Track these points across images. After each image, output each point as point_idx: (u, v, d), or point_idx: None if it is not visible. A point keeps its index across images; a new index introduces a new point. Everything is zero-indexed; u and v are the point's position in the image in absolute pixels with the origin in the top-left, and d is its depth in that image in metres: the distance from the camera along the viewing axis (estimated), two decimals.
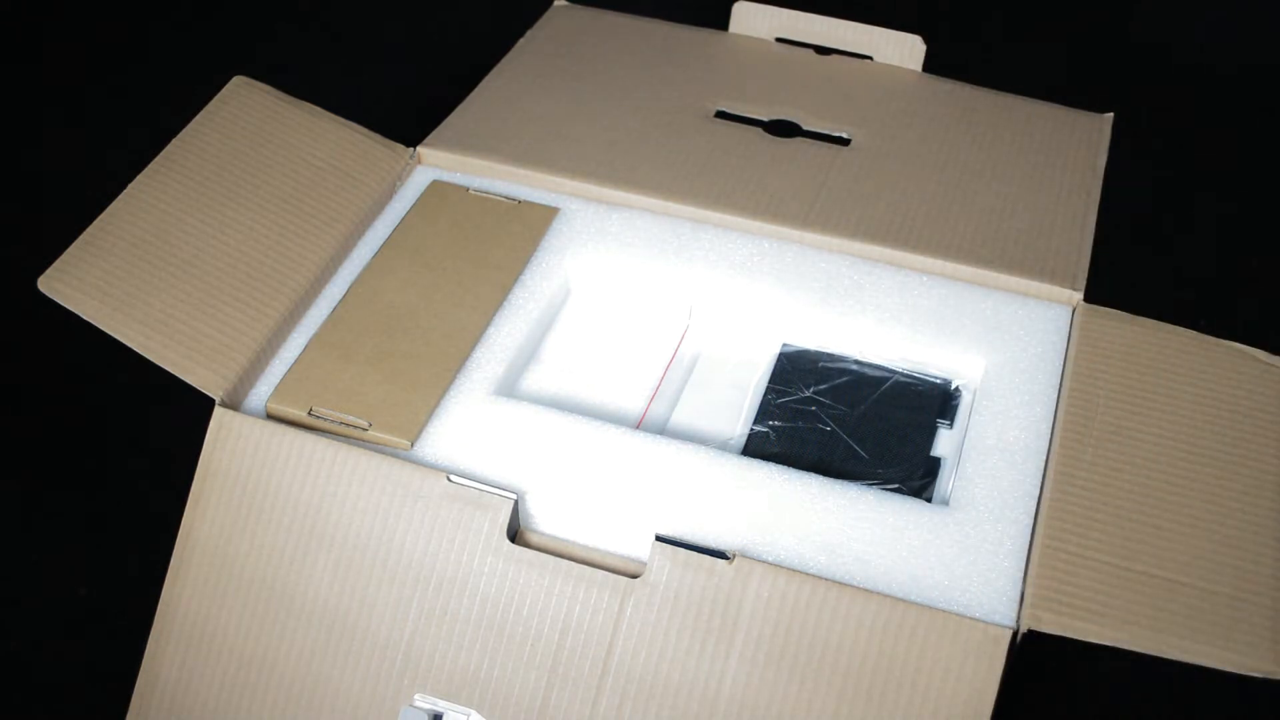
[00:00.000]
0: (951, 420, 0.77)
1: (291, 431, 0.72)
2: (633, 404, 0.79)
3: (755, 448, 0.76)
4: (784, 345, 0.82)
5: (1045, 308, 0.81)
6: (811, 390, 0.79)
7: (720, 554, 0.67)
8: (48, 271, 0.77)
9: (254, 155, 0.86)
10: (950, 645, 0.63)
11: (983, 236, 0.85)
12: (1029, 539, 0.69)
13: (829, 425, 0.77)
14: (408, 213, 0.88)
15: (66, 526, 1.06)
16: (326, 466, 0.71)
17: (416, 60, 1.56)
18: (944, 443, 0.76)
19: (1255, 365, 0.76)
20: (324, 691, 0.70)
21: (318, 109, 0.90)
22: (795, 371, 0.80)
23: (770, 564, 0.66)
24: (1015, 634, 0.64)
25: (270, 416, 0.75)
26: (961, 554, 0.68)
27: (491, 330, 0.80)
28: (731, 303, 0.83)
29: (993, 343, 0.79)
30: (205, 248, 0.81)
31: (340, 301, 0.81)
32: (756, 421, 0.78)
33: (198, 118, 0.87)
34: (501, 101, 0.98)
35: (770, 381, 0.80)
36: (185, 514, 0.73)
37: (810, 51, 1.05)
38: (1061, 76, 1.50)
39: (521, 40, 1.06)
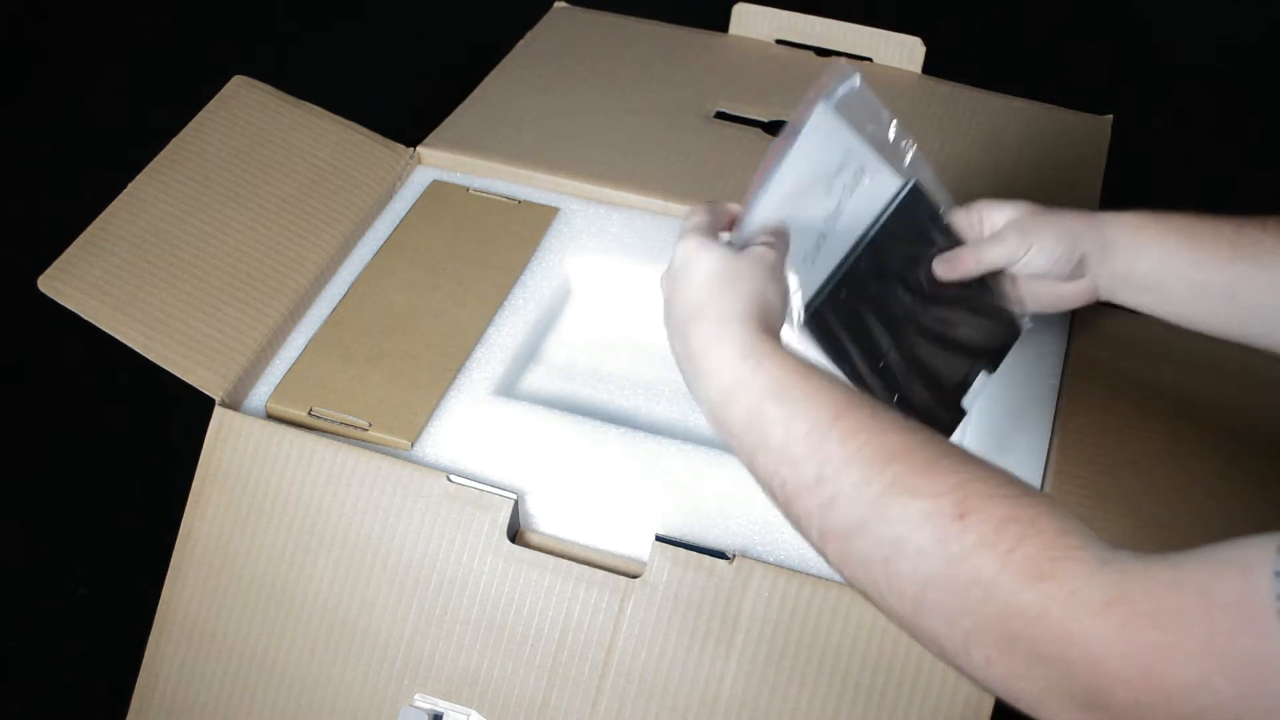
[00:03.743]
0: (994, 370, 0.69)
1: (291, 431, 0.72)
2: (633, 404, 0.79)
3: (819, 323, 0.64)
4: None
5: None
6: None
7: (720, 554, 0.67)
8: (48, 271, 0.77)
9: (254, 155, 0.86)
10: None
11: None
12: None
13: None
14: (408, 213, 0.88)
15: (66, 527, 1.06)
16: (326, 466, 0.71)
17: (416, 60, 1.56)
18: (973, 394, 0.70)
19: (1254, 357, 0.75)
20: (324, 691, 0.70)
21: (318, 109, 0.90)
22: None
23: (770, 564, 0.66)
24: None
25: (270, 416, 0.75)
26: None
27: (491, 330, 0.80)
28: None
29: None
30: (205, 248, 0.81)
31: (340, 302, 0.81)
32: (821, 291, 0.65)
33: (198, 118, 0.87)
34: (501, 102, 0.98)
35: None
36: (185, 514, 0.73)
37: (810, 53, 1.05)
38: (1061, 77, 1.50)
39: (522, 41, 1.07)
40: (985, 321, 0.68)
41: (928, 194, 0.65)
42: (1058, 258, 0.63)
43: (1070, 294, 0.66)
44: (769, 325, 0.53)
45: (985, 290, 0.67)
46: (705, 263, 0.54)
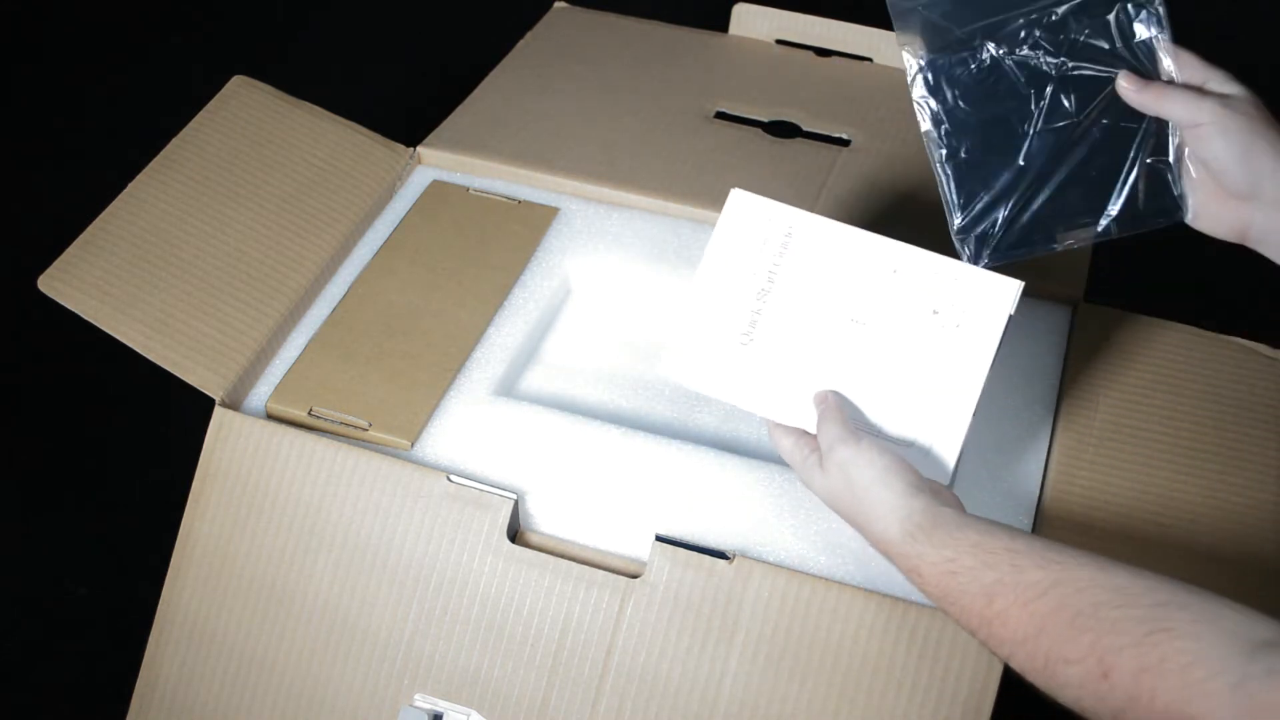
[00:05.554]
0: (1119, 232, 0.66)
1: (291, 431, 0.72)
2: (633, 404, 0.79)
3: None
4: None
5: (1045, 308, 0.81)
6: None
7: (720, 554, 0.67)
8: (48, 271, 0.77)
9: (254, 155, 0.86)
10: (950, 645, 0.63)
11: None
12: None
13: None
14: (408, 213, 0.88)
15: (66, 527, 1.06)
16: (326, 466, 0.71)
17: (416, 60, 1.56)
18: None
19: (1258, 360, 0.76)
20: (324, 691, 0.70)
21: (318, 109, 0.90)
22: None
23: (770, 564, 0.66)
24: None
25: (270, 416, 0.75)
26: None
27: (491, 330, 0.80)
28: None
29: None
30: (205, 248, 0.81)
31: (340, 301, 0.81)
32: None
33: (198, 118, 0.87)
34: (501, 101, 0.98)
35: None
36: (185, 514, 0.73)
37: (810, 53, 1.05)
38: None
39: (522, 41, 1.07)
40: (1142, 182, 0.65)
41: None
42: (1233, 154, 0.59)
43: (1228, 216, 0.62)
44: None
45: (1159, 151, 0.63)
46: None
